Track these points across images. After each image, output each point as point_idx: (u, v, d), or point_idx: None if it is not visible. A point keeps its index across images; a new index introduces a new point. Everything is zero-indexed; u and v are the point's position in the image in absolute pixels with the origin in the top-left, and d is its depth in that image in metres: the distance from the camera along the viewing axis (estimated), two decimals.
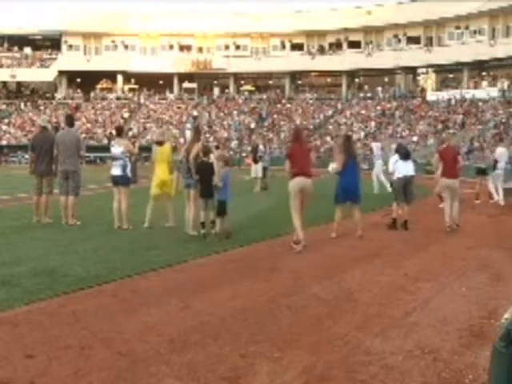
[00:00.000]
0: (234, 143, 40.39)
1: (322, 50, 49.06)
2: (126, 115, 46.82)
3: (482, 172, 14.91)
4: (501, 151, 14.56)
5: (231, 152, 35.82)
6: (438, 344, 4.23)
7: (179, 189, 9.46)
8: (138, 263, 6.78)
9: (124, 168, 9.56)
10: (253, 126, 44.46)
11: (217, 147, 18.80)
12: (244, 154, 35.93)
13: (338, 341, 4.26)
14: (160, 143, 9.75)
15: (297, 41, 49.40)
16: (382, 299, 5.47)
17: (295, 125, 8.63)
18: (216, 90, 51.83)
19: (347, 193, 9.29)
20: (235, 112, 46.67)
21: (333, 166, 9.74)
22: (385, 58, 45.53)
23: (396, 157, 10.75)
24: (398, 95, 45.67)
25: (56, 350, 3.96)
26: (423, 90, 45.71)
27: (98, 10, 48.87)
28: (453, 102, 40.52)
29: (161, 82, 50.94)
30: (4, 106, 49.01)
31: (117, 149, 9.66)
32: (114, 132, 20.81)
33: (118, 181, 9.62)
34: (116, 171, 9.61)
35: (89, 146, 20.82)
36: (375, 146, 18.63)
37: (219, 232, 8.72)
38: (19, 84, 52.25)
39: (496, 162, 14.35)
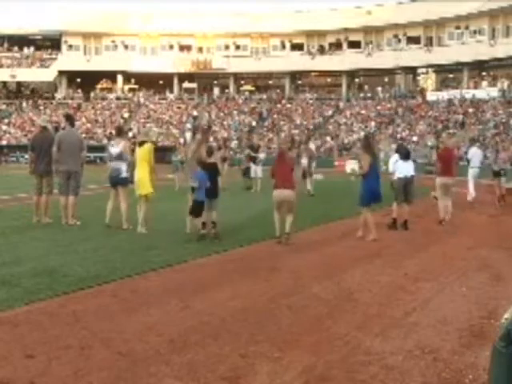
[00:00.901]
0: (234, 143, 40.37)
1: (321, 50, 49.04)
2: (126, 115, 46.82)
3: (497, 174, 15.07)
4: (473, 152, 15.54)
5: (231, 152, 35.79)
6: (438, 344, 4.23)
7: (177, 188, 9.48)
8: (138, 263, 6.78)
9: (122, 168, 9.55)
10: (253, 125, 44.45)
11: (219, 148, 18.83)
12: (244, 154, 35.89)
13: (338, 341, 4.26)
14: (141, 144, 9.57)
15: (297, 41, 49.38)
16: (382, 299, 5.47)
17: (280, 147, 9.15)
18: (216, 90, 51.82)
19: (373, 194, 9.08)
20: (235, 112, 46.68)
21: (353, 168, 9.72)
22: (385, 58, 45.52)
23: (396, 157, 10.78)
24: (398, 95, 45.67)
25: (56, 350, 3.96)
26: (424, 90, 45.68)
27: (98, 9, 48.87)
28: (454, 102, 40.48)
29: (161, 82, 50.95)
30: (4, 106, 49.00)
31: (115, 149, 9.65)
32: (113, 132, 20.77)
33: (117, 182, 9.61)
34: (114, 172, 9.61)
35: (89, 145, 20.87)
36: (313, 146, 19.42)
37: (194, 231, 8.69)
38: (19, 84, 52.25)
39: (468, 161, 15.52)
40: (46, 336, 4.24)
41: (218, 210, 8.89)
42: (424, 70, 48.18)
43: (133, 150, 9.89)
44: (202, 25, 47.71)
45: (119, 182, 9.57)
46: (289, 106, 47.25)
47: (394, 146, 12.68)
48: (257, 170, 18.03)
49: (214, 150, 9.36)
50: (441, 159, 11.20)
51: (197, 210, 8.62)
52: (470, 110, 38.59)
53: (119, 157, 9.55)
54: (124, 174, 9.56)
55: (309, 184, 16.43)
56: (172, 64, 49.25)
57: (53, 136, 10.30)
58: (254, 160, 18.39)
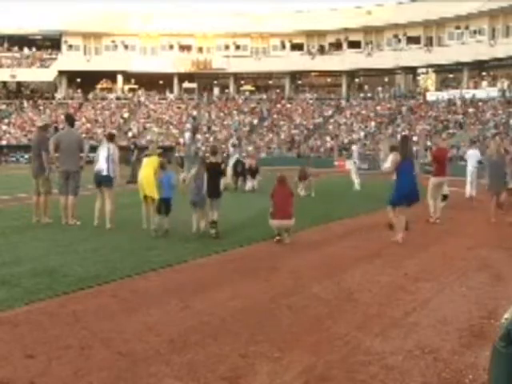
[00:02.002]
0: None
1: (321, 50, 49.05)
2: (126, 115, 46.82)
3: None
4: (470, 153, 16.35)
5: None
6: (438, 344, 4.23)
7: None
8: (138, 263, 6.78)
9: (107, 168, 9.62)
10: (254, 123, 44.45)
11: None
12: (244, 154, 35.89)
13: (338, 341, 4.26)
14: (149, 155, 10.06)
15: (297, 41, 49.39)
16: (382, 299, 5.47)
17: (281, 173, 9.42)
18: (216, 90, 51.82)
19: (406, 195, 8.74)
20: (235, 112, 46.66)
21: (385, 166, 9.54)
22: (385, 58, 45.53)
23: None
24: (398, 95, 45.67)
25: (56, 350, 3.96)
26: (426, 90, 45.66)
27: (98, 9, 48.89)
28: (457, 101, 40.44)
29: (161, 82, 50.95)
30: (4, 106, 49.00)
31: (104, 152, 9.76)
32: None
33: (101, 180, 9.70)
34: (99, 171, 9.69)
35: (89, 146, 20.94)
36: (232, 143, 21.08)
37: (157, 229, 8.86)
38: (19, 84, 52.26)
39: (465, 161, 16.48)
40: (46, 336, 4.25)
41: (219, 210, 8.94)
42: (424, 69, 48.18)
43: (132, 151, 9.97)
44: (202, 25, 47.72)
45: (102, 180, 9.67)
46: (289, 106, 47.25)
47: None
48: (254, 183, 17.57)
49: (217, 150, 9.52)
50: (435, 159, 11.27)
51: (162, 207, 8.87)
52: (470, 110, 38.60)
53: (107, 159, 9.65)
54: (109, 173, 9.66)
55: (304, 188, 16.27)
56: (172, 64, 49.26)
57: (48, 137, 10.32)
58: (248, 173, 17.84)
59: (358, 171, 19.90)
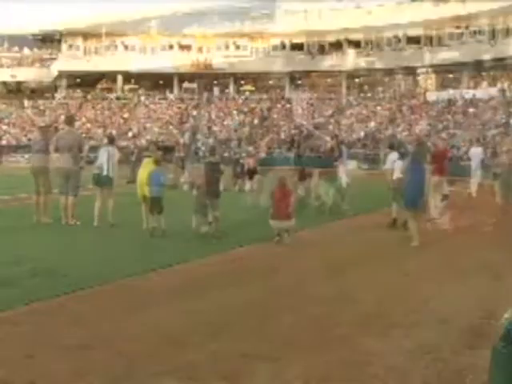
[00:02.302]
0: (233, 143, 40.37)
1: (322, 50, 49.04)
2: (126, 115, 46.80)
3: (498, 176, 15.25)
4: (473, 152, 16.49)
5: (232, 152, 35.74)
6: (438, 344, 4.23)
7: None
8: (137, 263, 6.78)
9: (107, 169, 9.67)
10: (252, 125, 44.43)
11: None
12: (244, 154, 35.88)
13: (338, 341, 4.26)
14: (149, 156, 10.17)
15: (297, 41, 49.37)
16: (382, 299, 5.47)
17: (281, 175, 9.49)
18: (216, 90, 51.78)
19: (413, 198, 8.74)
20: (235, 112, 46.65)
21: (386, 167, 9.69)
22: (385, 58, 45.52)
23: (395, 156, 10.73)
24: (398, 95, 45.65)
25: (56, 350, 3.95)
26: (426, 90, 45.62)
27: (98, 9, 48.91)
28: (455, 102, 40.42)
29: (161, 82, 50.93)
30: (4, 106, 48.97)
31: (104, 153, 9.84)
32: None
33: (101, 181, 9.77)
34: (98, 171, 9.77)
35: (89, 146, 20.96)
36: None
37: (154, 229, 8.91)
38: (19, 84, 52.24)
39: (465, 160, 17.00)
40: (46, 336, 4.24)
41: (219, 209, 8.94)
42: (424, 69, 48.14)
43: (132, 151, 9.99)
44: (201, 25, 47.70)
45: (102, 180, 9.75)
46: (289, 106, 47.23)
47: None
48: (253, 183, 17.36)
49: (216, 150, 9.58)
50: (435, 159, 11.28)
51: (154, 206, 8.90)
52: (470, 110, 38.58)
53: (107, 161, 9.71)
54: (108, 174, 9.72)
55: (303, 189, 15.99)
56: (172, 64, 49.23)
57: (49, 137, 10.35)
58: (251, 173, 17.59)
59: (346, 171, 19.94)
